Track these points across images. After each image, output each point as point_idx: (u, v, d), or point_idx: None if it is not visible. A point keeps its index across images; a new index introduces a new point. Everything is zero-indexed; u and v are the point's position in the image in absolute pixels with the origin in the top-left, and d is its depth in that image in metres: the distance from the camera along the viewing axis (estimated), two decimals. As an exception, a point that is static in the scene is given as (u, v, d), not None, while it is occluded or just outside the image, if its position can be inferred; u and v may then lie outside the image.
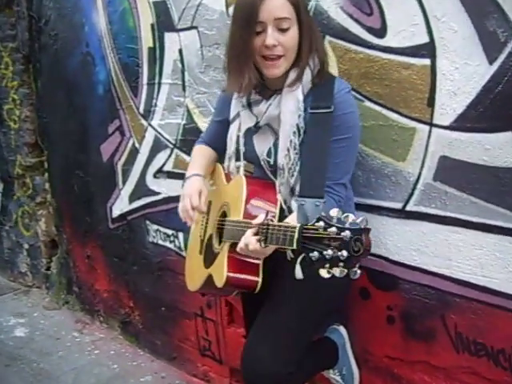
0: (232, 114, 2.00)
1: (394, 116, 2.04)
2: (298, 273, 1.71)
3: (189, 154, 2.52)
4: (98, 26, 3.26)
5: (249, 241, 1.65)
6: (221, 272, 1.82)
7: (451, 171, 1.93)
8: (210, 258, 1.99)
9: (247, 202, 1.82)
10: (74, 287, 4.11)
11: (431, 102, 1.94)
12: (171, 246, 3.12)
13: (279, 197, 1.84)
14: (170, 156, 2.98)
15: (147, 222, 3.25)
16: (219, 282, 1.84)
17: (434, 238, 2.02)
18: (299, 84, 1.83)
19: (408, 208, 2.08)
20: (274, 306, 1.93)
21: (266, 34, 1.76)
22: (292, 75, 1.83)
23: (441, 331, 2.08)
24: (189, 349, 3.20)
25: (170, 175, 3.01)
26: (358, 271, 1.35)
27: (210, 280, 1.94)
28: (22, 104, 4.11)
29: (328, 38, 2.17)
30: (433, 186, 1.99)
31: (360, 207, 2.12)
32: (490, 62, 1.79)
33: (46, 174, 4.15)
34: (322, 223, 1.36)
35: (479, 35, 1.80)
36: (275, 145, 1.87)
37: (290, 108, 1.81)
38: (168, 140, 2.97)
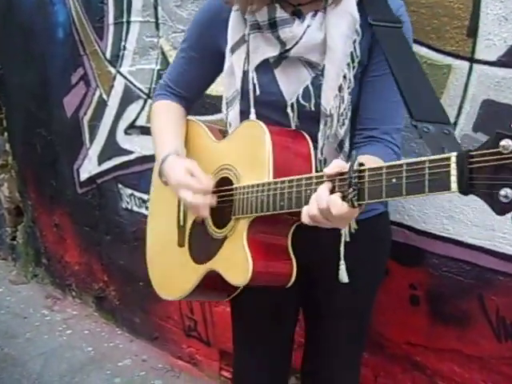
0: (232, 41, 1.41)
1: (423, 50, 1.66)
2: (343, 275, 1.36)
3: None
4: (54, -44, 2.85)
5: (330, 201, 1.06)
6: (240, 263, 1.30)
7: (497, 119, 1.56)
8: (204, 248, 1.45)
9: (275, 155, 1.29)
10: (43, 259, 3.80)
11: (473, 32, 1.56)
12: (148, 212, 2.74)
13: (313, 152, 1.34)
14: (143, 108, 2.65)
15: (120, 186, 2.95)
16: (239, 278, 1.30)
17: (473, 203, 1.66)
18: None
19: None
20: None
21: None
22: None
23: (478, 315, 1.74)
24: (172, 328, 2.92)
25: (144, 131, 2.68)
26: None
27: (210, 279, 1.43)
28: (-26, 54, 3.66)
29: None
30: (472, 138, 1.63)
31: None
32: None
33: (6, 134, 3.80)
34: (507, 142, 0.83)
35: None
36: (315, 83, 1.34)
37: (342, 30, 1.30)
38: (140, 89, 2.65)
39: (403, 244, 1.83)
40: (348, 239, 1.36)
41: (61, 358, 2.96)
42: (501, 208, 0.87)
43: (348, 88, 1.32)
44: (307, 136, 1.35)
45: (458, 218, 1.70)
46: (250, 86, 1.37)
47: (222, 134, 1.54)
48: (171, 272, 1.60)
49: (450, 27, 1.59)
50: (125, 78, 2.70)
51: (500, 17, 1.50)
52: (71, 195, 3.29)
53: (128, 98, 2.71)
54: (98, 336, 3.15)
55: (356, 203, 1.03)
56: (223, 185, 1.40)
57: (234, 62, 1.40)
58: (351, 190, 1.03)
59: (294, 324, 1.65)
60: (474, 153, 0.88)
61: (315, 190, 1.11)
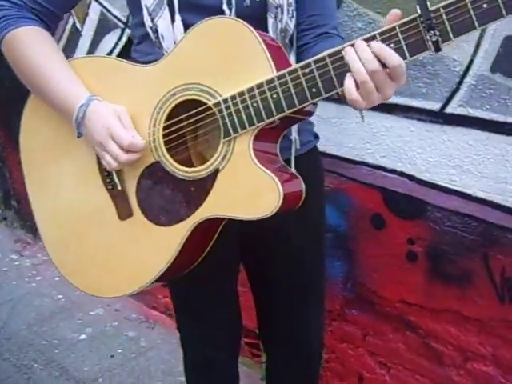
0: None
1: None
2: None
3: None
4: None
5: (386, 53, 0.94)
6: (259, 190, 1.05)
7: None
8: (177, 202, 1.14)
9: (268, 47, 1.04)
10: (12, 201, 3.63)
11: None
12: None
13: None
14: (119, 39, 2.40)
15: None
16: (267, 207, 1.04)
17: (485, 153, 1.51)
18: None
19: (449, 110, 1.54)
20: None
21: None
22: None
23: (481, 275, 1.61)
24: (147, 277, 2.72)
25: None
26: None
27: (199, 236, 1.16)
28: None
29: None
30: (490, 79, 1.45)
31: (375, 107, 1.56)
32: None
33: None
34: None
35: None
36: None
37: None
38: (118, 18, 2.40)
39: (402, 195, 1.68)
40: (299, 146, 1.26)
41: (29, 306, 2.83)
42: None
43: None
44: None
45: (467, 168, 1.54)
46: None
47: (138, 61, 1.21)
48: (116, 259, 1.21)
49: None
50: (101, 4, 2.46)
51: None
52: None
53: (104, 27, 2.46)
54: (69, 283, 2.99)
55: (441, 45, 0.94)
56: (182, 111, 1.11)
57: None
58: (432, 32, 0.93)
59: (236, 277, 1.47)
60: None
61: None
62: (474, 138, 1.51)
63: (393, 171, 1.68)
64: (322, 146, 1.77)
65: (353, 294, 1.91)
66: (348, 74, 0.96)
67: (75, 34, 2.60)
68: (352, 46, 0.96)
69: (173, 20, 1.14)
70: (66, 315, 2.74)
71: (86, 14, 2.51)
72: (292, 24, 1.20)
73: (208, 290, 1.38)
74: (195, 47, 1.08)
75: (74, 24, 2.59)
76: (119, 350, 2.50)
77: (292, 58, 1.22)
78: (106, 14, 2.43)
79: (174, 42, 1.14)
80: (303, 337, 1.46)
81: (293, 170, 1.17)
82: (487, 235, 1.56)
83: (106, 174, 1.18)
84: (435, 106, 1.55)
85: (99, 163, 1.18)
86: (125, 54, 1.30)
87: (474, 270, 1.61)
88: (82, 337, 2.59)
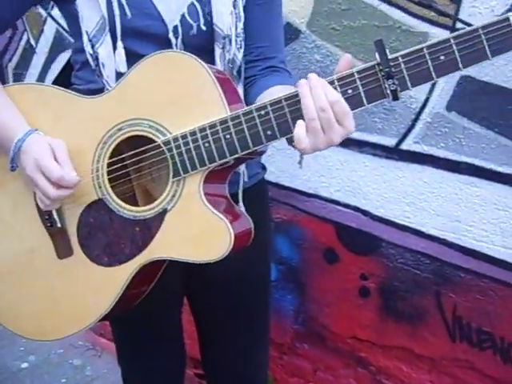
0: None
1: (397, 13, 1.48)
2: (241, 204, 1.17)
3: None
4: None
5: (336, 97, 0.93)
6: (210, 232, 1.02)
7: (475, 98, 1.41)
8: (121, 242, 1.09)
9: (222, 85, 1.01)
10: None
11: (457, -4, 1.39)
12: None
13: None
14: None
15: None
16: (217, 249, 1.01)
17: (439, 191, 1.52)
18: None
19: (404, 146, 1.56)
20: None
21: None
22: None
23: (433, 313, 1.62)
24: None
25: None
26: None
27: (142, 277, 1.11)
28: None
29: None
30: (445, 117, 1.47)
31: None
32: None
33: None
34: None
35: None
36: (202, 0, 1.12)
37: None
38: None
39: (356, 230, 1.68)
40: (246, 179, 1.22)
41: None
42: None
43: (241, 4, 1.14)
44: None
45: (421, 205, 1.54)
46: (116, 9, 1.08)
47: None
48: (54, 301, 1.15)
49: (431, -12, 1.41)
50: (56, 22, 2.40)
51: (489, -19, 1.32)
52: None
53: (59, 45, 2.39)
54: None
55: (399, 94, 0.93)
56: (128, 148, 1.07)
57: None
58: (390, 81, 0.93)
59: (179, 311, 1.43)
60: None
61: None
62: (428, 176, 1.52)
63: (347, 205, 1.67)
64: (276, 177, 1.77)
65: (304, 328, 1.89)
66: (298, 122, 0.93)
67: (29, 51, 2.54)
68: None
69: (114, 47, 1.09)
70: (7, 342, 2.60)
71: (41, 31, 2.45)
72: (240, 55, 1.17)
73: (150, 323, 1.33)
74: (144, 81, 1.04)
75: (28, 40, 2.52)
76: (63, 380, 2.40)
77: (239, 90, 1.17)
78: (61, 32, 2.36)
79: (116, 71, 1.09)
80: (247, 372, 1.42)
81: (241, 207, 1.14)
82: (440, 273, 1.56)
83: (43, 212, 1.11)
84: (391, 141, 1.56)
85: (36, 199, 1.11)
86: (64, 78, 1.24)
87: (426, 308, 1.61)
88: (24, 365, 2.48)
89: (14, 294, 1.17)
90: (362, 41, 1.53)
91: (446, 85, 1.43)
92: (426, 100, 1.47)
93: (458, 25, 1.38)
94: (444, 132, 1.46)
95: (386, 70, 0.92)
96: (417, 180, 1.54)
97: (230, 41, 1.14)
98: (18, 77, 2.62)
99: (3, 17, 1.16)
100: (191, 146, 1.01)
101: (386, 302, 1.68)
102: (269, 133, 0.97)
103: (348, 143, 1.61)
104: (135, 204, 1.09)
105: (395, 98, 0.94)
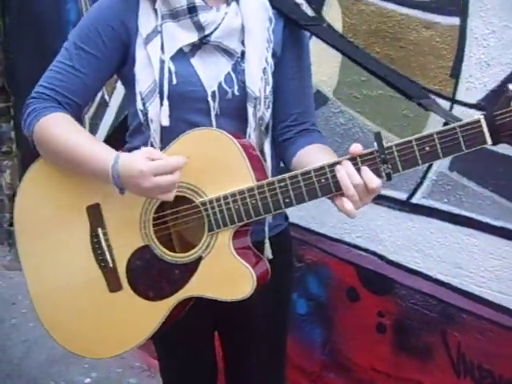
0: (145, 33, 1.31)
1: None
2: (268, 251, 1.37)
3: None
4: (70, -43, 2.89)
5: (366, 177, 1.13)
6: (237, 276, 1.24)
7: (473, 161, 1.56)
8: (164, 281, 1.31)
9: (249, 158, 1.23)
10: None
11: (456, 73, 1.59)
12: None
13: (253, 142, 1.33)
14: None
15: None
16: (243, 290, 1.24)
17: (443, 240, 1.70)
18: None
19: (414, 200, 1.75)
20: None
21: None
22: None
23: (440, 349, 1.76)
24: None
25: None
26: None
27: (178, 310, 1.33)
28: (-12, 42, 3.75)
29: (333, -17, 1.78)
30: (448, 176, 1.65)
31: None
32: (537, 27, 1.41)
33: (12, 122, 3.86)
34: None
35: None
36: (237, 69, 1.32)
37: (258, 15, 1.33)
38: None
39: (374, 272, 1.86)
40: (267, 229, 1.39)
41: (42, 347, 2.96)
42: None
43: (271, 68, 1.33)
44: (249, 121, 1.34)
45: (428, 252, 1.72)
46: (166, 76, 1.28)
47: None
48: (106, 326, 1.36)
49: (434, 66, 1.62)
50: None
51: (482, 61, 1.52)
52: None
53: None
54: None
55: (393, 175, 1.13)
56: (171, 206, 1.28)
57: (149, 53, 1.30)
58: (385, 165, 1.13)
59: (212, 348, 1.62)
60: (497, 113, 1.07)
61: (332, 177, 1.16)
62: (434, 227, 1.70)
63: (366, 250, 1.87)
64: (307, 223, 2.00)
65: (331, 359, 2.07)
66: (344, 199, 1.15)
67: (103, 105, 2.85)
68: (339, 163, 1.15)
69: (161, 104, 1.29)
70: (74, 359, 2.81)
71: (114, 88, 2.75)
72: (268, 113, 1.35)
73: (186, 345, 1.54)
74: (185, 151, 1.22)
75: (102, 95, 2.84)
76: (120, 395, 2.67)
77: (267, 146, 1.36)
78: (131, 90, 2.67)
79: (160, 125, 1.30)
80: None
81: (266, 253, 1.37)
82: (445, 314, 1.72)
83: (98, 253, 1.33)
84: (403, 196, 1.75)
85: (92, 241, 1.34)
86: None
87: (434, 344, 1.76)
88: (87, 380, 2.75)
89: (72, 319, 1.38)
90: (378, 108, 1.76)
91: (447, 148, 1.63)
92: (430, 164, 1.66)
93: (457, 97, 1.60)
94: (447, 189, 1.65)
95: (382, 156, 1.12)
96: (425, 230, 1.72)
97: (260, 101, 1.31)
98: (94, 126, 2.95)
99: (90, 93, 1.40)
100: (223, 207, 1.22)
101: (399, 337, 1.85)
102: (287, 200, 1.19)
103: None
104: (171, 246, 1.31)
105: (389, 178, 1.13)
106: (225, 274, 1.25)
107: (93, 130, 2.97)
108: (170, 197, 1.21)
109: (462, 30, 1.55)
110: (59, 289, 1.38)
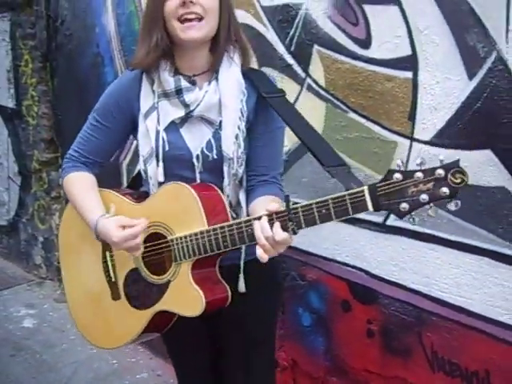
0: (144, 108, 1.65)
1: (377, 128, 2.03)
2: (242, 286, 1.65)
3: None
4: (108, 27, 3.31)
5: (275, 232, 1.37)
6: (192, 298, 1.55)
7: None
8: (146, 295, 1.66)
9: (205, 208, 1.55)
10: None
11: (412, 116, 1.92)
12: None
13: (224, 197, 1.62)
14: None
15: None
16: (195, 310, 1.55)
17: (413, 255, 2.00)
18: (235, 65, 1.64)
19: (388, 222, 2.06)
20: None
21: None
22: (219, 55, 1.63)
23: (417, 349, 2.04)
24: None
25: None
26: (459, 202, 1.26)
27: (158, 319, 1.67)
28: (40, 101, 4.20)
29: (316, 47, 2.16)
30: (412, 201, 1.95)
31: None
32: (470, 78, 1.75)
33: (60, 170, 4.19)
34: (398, 175, 1.24)
35: (460, 49, 1.77)
36: (215, 136, 1.63)
37: (233, 92, 1.62)
38: None
39: (361, 285, 2.17)
40: (244, 255, 1.65)
41: (89, 368, 3.31)
42: (401, 214, 1.28)
43: (243, 134, 1.62)
44: (214, 186, 1.62)
45: (402, 266, 2.03)
46: (160, 143, 1.62)
47: (134, 196, 1.74)
48: (109, 324, 1.76)
49: (396, 111, 1.95)
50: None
51: (431, 106, 1.85)
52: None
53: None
54: (123, 352, 3.40)
55: (297, 231, 1.37)
56: (153, 239, 1.62)
57: (148, 125, 1.64)
58: (291, 223, 1.37)
59: (210, 355, 1.86)
60: (378, 185, 1.27)
61: (247, 231, 1.44)
62: (405, 244, 2.00)
63: (354, 267, 2.17)
64: (305, 245, 2.33)
65: (332, 364, 2.36)
66: (257, 246, 1.40)
67: (137, 154, 3.17)
68: (258, 218, 1.40)
69: (157, 165, 1.63)
70: (117, 377, 3.21)
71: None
72: (241, 170, 1.64)
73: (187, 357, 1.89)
74: (162, 199, 1.62)
75: (137, 146, 3.18)
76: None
77: (241, 195, 1.67)
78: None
79: (157, 181, 1.64)
80: None
81: (221, 279, 1.61)
82: (419, 318, 2.01)
83: (106, 270, 1.74)
84: (379, 219, 2.07)
85: (102, 261, 1.73)
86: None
87: (413, 345, 2.05)
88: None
89: (90, 316, 1.82)
90: (355, 148, 2.09)
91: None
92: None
93: (415, 135, 1.93)
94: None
95: (290, 215, 1.36)
96: (398, 247, 2.02)
97: (233, 161, 1.61)
98: (130, 172, 3.27)
99: (107, 154, 1.82)
100: (184, 244, 1.54)
101: (385, 340, 2.13)
102: (225, 243, 1.48)
103: (353, 221, 2.14)
104: (153, 269, 1.65)
105: (295, 233, 1.36)
106: (184, 295, 1.58)
107: (129, 174, 3.33)
108: (137, 253, 1.61)
109: (415, 81, 1.88)
110: (85, 296, 1.82)
